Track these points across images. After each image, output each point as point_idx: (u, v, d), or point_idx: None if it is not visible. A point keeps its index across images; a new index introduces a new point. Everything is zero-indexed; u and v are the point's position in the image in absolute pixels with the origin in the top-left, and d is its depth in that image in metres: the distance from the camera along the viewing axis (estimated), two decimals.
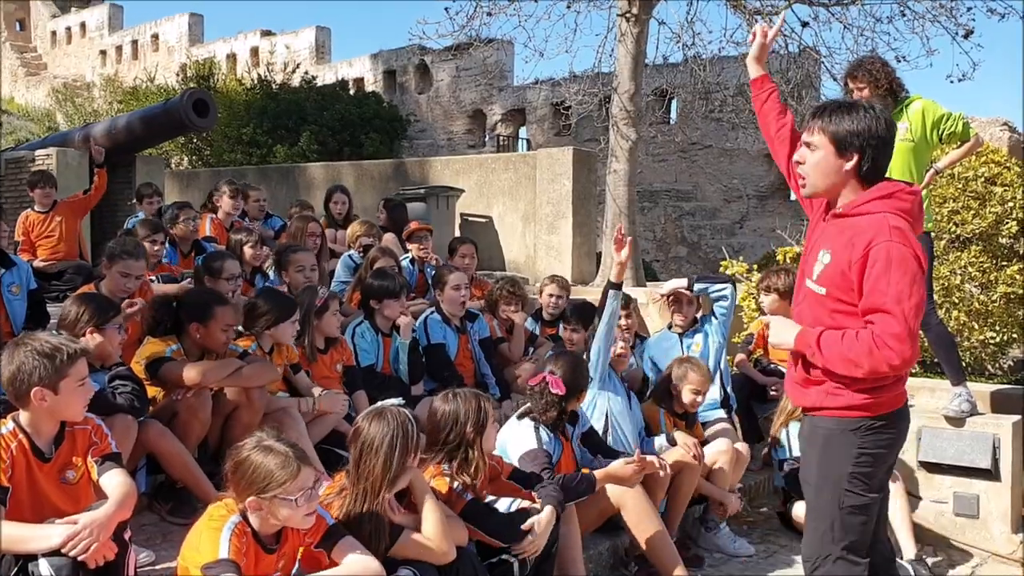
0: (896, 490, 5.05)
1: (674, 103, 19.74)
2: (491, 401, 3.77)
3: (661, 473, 4.36)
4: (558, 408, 4.26)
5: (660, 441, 4.97)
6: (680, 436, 4.94)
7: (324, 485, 3.56)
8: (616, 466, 4.21)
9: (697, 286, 5.61)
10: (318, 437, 4.58)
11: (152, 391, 4.20)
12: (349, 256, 6.80)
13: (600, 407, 4.81)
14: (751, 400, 6.23)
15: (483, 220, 11.30)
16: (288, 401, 4.53)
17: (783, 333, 3.08)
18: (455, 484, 3.57)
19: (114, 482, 3.01)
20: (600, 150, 11.73)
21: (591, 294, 7.72)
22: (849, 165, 2.94)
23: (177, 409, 4.09)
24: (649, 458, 4.26)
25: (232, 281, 5.40)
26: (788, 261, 7.90)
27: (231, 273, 5.41)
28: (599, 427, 4.74)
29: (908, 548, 4.95)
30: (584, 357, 4.81)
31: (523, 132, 22.72)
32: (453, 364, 5.63)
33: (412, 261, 6.94)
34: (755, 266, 8.41)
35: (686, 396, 5.16)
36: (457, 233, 10.78)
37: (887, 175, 3.07)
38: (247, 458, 2.87)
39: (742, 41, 10.76)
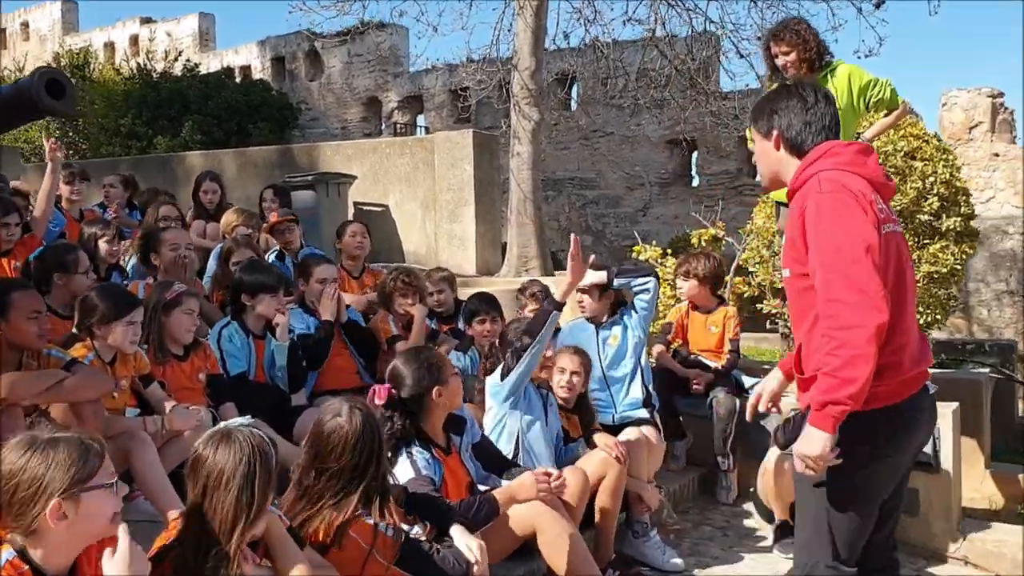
0: None
1: (575, 89, 19.31)
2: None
3: (540, 494, 3.51)
4: (401, 421, 3.46)
5: (580, 447, 4.38)
6: (600, 438, 4.37)
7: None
8: (517, 483, 3.52)
9: (617, 281, 5.05)
10: (175, 462, 3.79)
11: None
12: (222, 248, 6.00)
13: (510, 428, 4.15)
14: (672, 395, 5.70)
15: (379, 209, 10.59)
16: (133, 421, 3.76)
17: (809, 440, 2.59)
18: (380, 524, 2.89)
19: None
20: (502, 134, 11.15)
21: (496, 286, 7.14)
22: (771, 142, 2.83)
23: None
24: (547, 474, 3.56)
25: (90, 275, 4.69)
26: (704, 244, 7.42)
27: (87, 266, 4.67)
28: (507, 450, 4.09)
29: None
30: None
31: (421, 120, 21.97)
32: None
33: (280, 256, 6.19)
34: (668, 251, 7.91)
35: (557, 378, 4.49)
36: None
37: None
38: (27, 462, 2.12)
39: (644, 19, 10.31)
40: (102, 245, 5.42)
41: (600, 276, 5.03)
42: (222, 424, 2.63)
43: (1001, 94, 15.84)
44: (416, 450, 3.45)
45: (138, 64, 22.33)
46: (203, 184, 7.25)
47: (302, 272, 5.22)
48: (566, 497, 3.83)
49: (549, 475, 3.54)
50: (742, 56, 9.51)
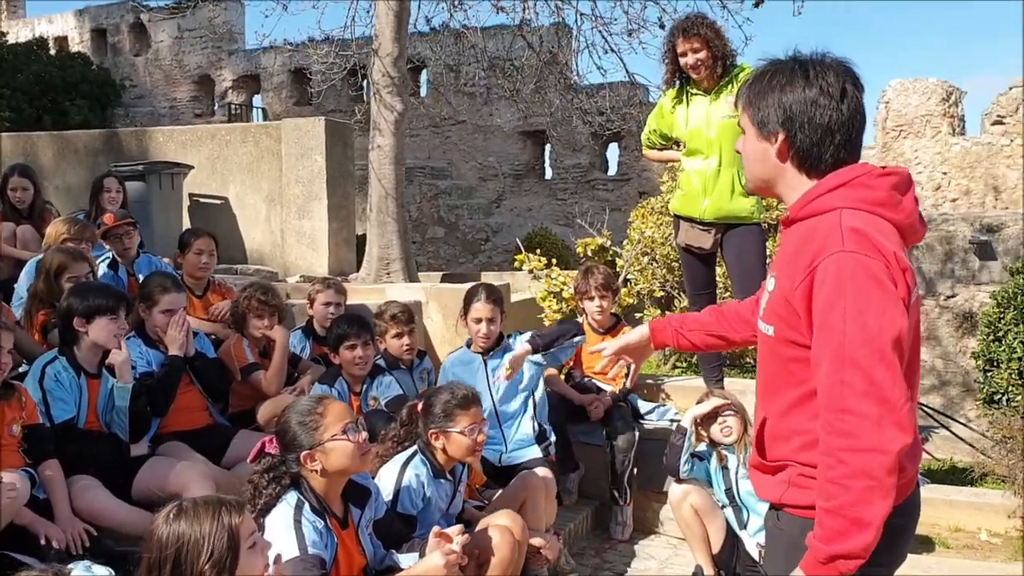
0: None
1: (423, 74, 18.60)
2: (239, 509, 2.33)
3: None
4: (281, 479, 2.85)
5: None
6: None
7: None
8: (423, 569, 2.88)
9: (544, 355, 4.61)
10: None
11: None
12: (50, 262, 4.96)
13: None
14: (566, 422, 5.21)
15: (218, 202, 9.61)
16: None
17: None
18: None
19: None
20: (356, 122, 10.35)
21: (353, 293, 6.42)
22: (773, 145, 2.07)
23: None
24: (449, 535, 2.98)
25: None
26: (589, 255, 6.96)
27: None
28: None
29: None
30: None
31: (257, 100, 20.67)
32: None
33: (114, 265, 5.27)
34: (554, 260, 7.36)
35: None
36: (186, 218, 9.03)
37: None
38: None
39: (508, 7, 9.72)
40: None
41: (523, 350, 4.49)
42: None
43: None
44: (307, 517, 2.78)
45: None
46: (10, 180, 6.16)
47: (144, 298, 4.37)
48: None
49: (454, 543, 2.95)
50: (613, 50, 9.06)
